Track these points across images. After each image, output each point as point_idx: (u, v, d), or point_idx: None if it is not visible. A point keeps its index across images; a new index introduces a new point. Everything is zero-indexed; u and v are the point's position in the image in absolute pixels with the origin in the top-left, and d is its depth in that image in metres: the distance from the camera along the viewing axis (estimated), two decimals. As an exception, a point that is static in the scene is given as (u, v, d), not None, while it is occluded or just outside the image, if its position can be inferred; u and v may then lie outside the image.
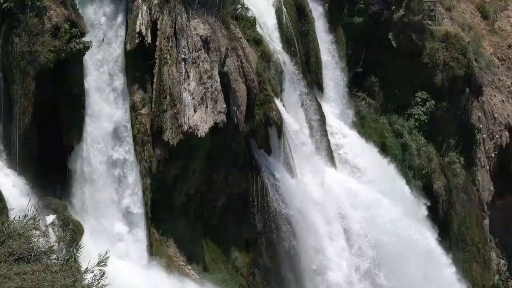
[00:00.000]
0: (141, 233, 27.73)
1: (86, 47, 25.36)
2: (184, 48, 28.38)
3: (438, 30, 43.25)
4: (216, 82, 28.91)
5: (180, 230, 29.56)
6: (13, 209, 21.38)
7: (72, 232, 23.85)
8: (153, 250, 28.03)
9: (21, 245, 12.89)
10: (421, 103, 42.13)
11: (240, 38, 30.93)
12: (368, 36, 41.14)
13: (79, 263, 13.57)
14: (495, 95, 48.93)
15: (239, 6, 32.00)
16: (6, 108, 24.33)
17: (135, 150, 27.82)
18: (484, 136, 46.49)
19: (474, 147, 44.76)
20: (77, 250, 13.77)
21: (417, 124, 41.83)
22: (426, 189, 40.91)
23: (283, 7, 35.31)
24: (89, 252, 15.92)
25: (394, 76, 41.83)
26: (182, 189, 29.50)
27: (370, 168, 37.81)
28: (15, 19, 24.16)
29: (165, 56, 28.02)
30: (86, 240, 24.28)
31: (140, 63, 28.27)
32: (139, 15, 27.69)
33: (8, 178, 23.74)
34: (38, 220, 13.58)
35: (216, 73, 29.05)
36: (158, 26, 28.10)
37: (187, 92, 28.21)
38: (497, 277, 46.03)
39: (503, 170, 49.11)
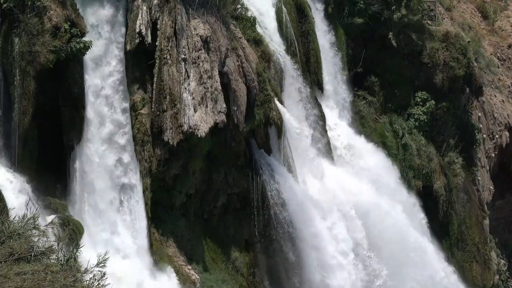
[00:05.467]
0: (141, 232, 27.72)
1: (86, 47, 25.34)
2: (184, 48, 28.38)
3: (438, 30, 43.29)
4: (216, 82, 28.92)
5: (180, 230, 29.56)
6: (13, 209, 21.37)
7: (72, 232, 23.84)
8: (153, 250, 28.02)
9: (21, 245, 12.88)
10: (421, 103, 42.15)
11: (240, 38, 30.93)
12: (368, 36, 41.17)
13: (79, 263, 13.57)
14: (495, 95, 48.98)
15: (239, 6, 32.00)
16: (6, 108, 24.31)
17: (135, 150, 27.82)
18: (484, 136, 46.52)
19: (474, 147, 44.78)
20: (77, 250, 13.77)
21: (417, 124, 41.85)
22: (426, 189, 40.93)
23: (283, 7, 35.32)
24: (89, 252, 15.93)
25: (394, 76, 41.87)
26: (182, 189, 29.50)
27: (370, 167, 37.83)
28: (15, 19, 24.13)
29: (165, 56, 28.01)
30: (86, 240, 24.29)
31: (140, 63, 28.26)
32: (139, 15, 27.67)
33: (8, 178, 23.72)
34: (37, 219, 13.57)
35: (216, 73, 29.05)
36: (158, 26, 28.09)
37: (187, 92, 28.21)
38: (497, 277, 46.05)
39: (503, 170, 49.15)
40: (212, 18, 29.59)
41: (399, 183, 39.27)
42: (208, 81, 28.70)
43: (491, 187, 47.10)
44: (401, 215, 36.81)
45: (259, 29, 33.33)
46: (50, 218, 23.50)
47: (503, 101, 49.47)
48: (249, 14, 32.79)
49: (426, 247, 37.78)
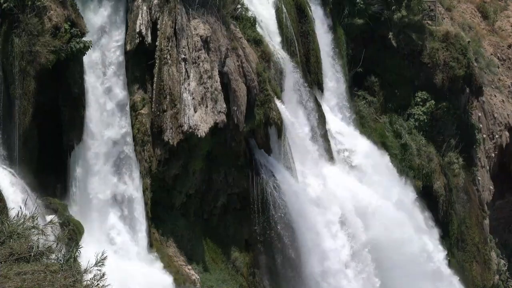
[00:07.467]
0: (141, 232, 27.73)
1: (86, 47, 25.34)
2: (184, 48, 28.39)
3: (438, 30, 43.29)
4: (216, 82, 28.92)
5: (180, 230, 29.57)
6: (13, 208, 21.37)
7: (71, 232, 23.85)
8: (153, 250, 28.02)
9: (21, 245, 12.89)
10: (421, 103, 42.16)
11: (240, 38, 30.94)
12: (368, 36, 41.18)
13: (79, 263, 13.56)
14: (495, 95, 48.98)
15: (239, 6, 32.00)
16: (6, 108, 24.32)
17: (135, 150, 27.82)
18: (484, 136, 46.52)
19: (474, 147, 44.77)
20: (77, 250, 13.77)
21: (417, 124, 41.85)
22: (426, 189, 40.93)
23: (283, 7, 35.32)
24: (89, 252, 15.90)
25: (394, 76, 41.88)
26: (182, 189, 29.50)
27: (370, 167, 37.82)
28: (15, 19, 24.14)
29: (165, 56, 28.02)
30: (86, 240, 24.30)
31: (140, 63, 28.27)
32: (139, 15, 27.69)
33: (8, 178, 23.72)
34: (37, 218, 13.57)
35: (216, 73, 29.06)
36: (158, 26, 28.10)
37: (187, 92, 28.22)
38: (497, 277, 46.06)
39: (503, 170, 49.14)
40: (212, 18, 29.59)
41: (400, 183, 39.25)
42: (208, 81, 28.70)
43: (491, 187, 47.09)
44: (400, 215, 36.82)
45: (259, 29, 33.33)
46: (50, 218, 23.49)
47: (503, 101, 49.48)
48: (249, 14, 32.79)
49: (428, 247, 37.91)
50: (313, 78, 37.17)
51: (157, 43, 28.07)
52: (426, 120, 41.99)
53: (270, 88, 31.57)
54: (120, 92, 27.52)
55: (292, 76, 34.49)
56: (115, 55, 27.46)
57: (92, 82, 26.68)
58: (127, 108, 27.76)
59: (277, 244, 31.73)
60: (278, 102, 32.19)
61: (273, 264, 32.10)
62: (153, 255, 27.89)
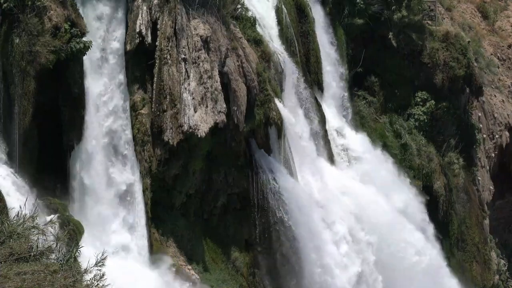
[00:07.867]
0: (141, 232, 27.74)
1: (86, 47, 25.35)
2: (184, 48, 28.39)
3: (438, 30, 43.30)
4: (216, 82, 28.92)
5: (180, 230, 29.58)
6: (13, 208, 21.37)
7: (71, 232, 23.84)
8: (153, 250, 28.04)
9: (21, 245, 12.88)
10: (421, 103, 42.15)
11: (240, 38, 30.94)
12: (368, 36, 41.17)
13: (79, 263, 13.57)
14: (495, 95, 48.99)
15: (239, 6, 32.01)
16: (6, 108, 24.33)
17: (135, 150, 27.84)
18: (484, 136, 46.52)
19: (474, 147, 44.78)
20: (77, 250, 13.77)
21: (417, 124, 41.85)
22: (426, 189, 40.92)
23: (283, 7, 35.32)
24: (89, 252, 15.91)
25: (394, 76, 41.87)
26: (182, 189, 29.51)
27: (370, 167, 37.82)
28: (15, 19, 24.14)
29: (165, 56, 28.03)
30: (86, 240, 24.31)
31: (140, 63, 28.28)
32: (139, 15, 27.70)
33: (8, 178, 23.73)
34: (36, 217, 13.57)
35: (216, 73, 29.06)
36: (158, 26, 28.11)
37: (187, 92, 28.22)
38: (497, 277, 46.05)
39: (503, 170, 49.15)
40: (212, 18, 29.60)
41: (399, 182, 39.25)
42: (208, 81, 28.70)
43: (491, 187, 47.09)
44: (400, 216, 36.82)
45: (259, 29, 33.33)
46: (50, 218, 23.48)
47: (503, 101, 49.49)
48: (249, 14, 32.80)
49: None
50: (313, 78, 37.17)
51: (157, 43, 28.08)
52: (426, 120, 41.99)
53: (270, 88, 31.57)
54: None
55: (292, 76, 34.49)
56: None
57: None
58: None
59: (277, 244, 31.71)
60: (278, 102, 32.20)
61: (273, 264, 32.10)
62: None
